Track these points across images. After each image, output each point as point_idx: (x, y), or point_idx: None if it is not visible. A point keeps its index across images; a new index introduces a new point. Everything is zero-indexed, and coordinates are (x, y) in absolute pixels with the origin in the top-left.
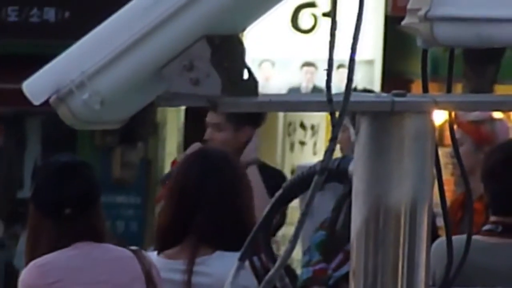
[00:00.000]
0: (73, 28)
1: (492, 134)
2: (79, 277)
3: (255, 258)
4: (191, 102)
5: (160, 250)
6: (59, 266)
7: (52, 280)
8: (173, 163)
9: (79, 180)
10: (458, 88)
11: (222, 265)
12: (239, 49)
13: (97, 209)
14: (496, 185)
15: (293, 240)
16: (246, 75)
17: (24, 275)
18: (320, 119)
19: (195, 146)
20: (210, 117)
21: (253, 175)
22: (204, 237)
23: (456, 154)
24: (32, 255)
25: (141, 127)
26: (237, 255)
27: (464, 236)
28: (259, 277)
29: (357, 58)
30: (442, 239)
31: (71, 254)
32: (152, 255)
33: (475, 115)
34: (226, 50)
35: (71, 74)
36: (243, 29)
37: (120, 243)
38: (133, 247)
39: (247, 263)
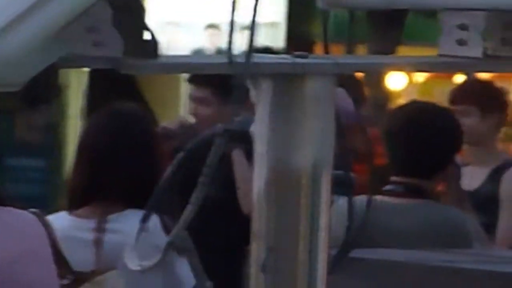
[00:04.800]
0: None
1: None
2: None
3: (165, 217)
4: (92, 64)
5: (71, 209)
6: None
7: None
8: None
9: None
10: (362, 50)
11: (134, 222)
12: (140, 11)
13: None
14: (397, 146)
15: (194, 203)
16: (147, 37)
17: None
18: None
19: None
20: (195, 91)
21: (239, 159)
22: (116, 195)
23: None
24: None
25: (44, 90)
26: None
27: (364, 197)
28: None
29: (261, 20)
30: (342, 200)
31: None
32: (63, 215)
33: None
34: (127, 12)
35: None
36: None
37: (22, 207)
38: (35, 210)
39: (153, 223)
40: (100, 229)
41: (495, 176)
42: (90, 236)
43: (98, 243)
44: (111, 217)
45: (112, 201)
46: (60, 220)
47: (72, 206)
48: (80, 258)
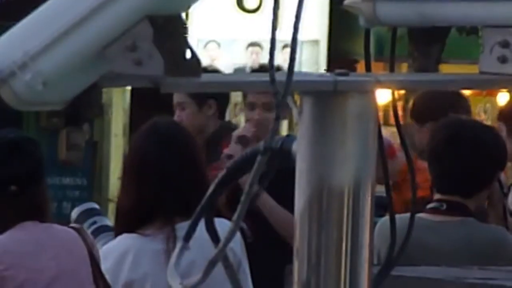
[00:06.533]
0: (15, 9)
1: None
2: (29, 263)
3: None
4: (134, 83)
5: (128, 231)
6: (9, 251)
7: (3, 267)
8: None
9: (24, 157)
10: (404, 68)
11: (203, 228)
12: (182, 29)
13: (42, 187)
14: (440, 163)
15: (236, 221)
16: (189, 55)
17: None
18: None
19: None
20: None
21: (266, 202)
22: (177, 210)
23: (399, 133)
24: None
25: (86, 109)
26: (217, 220)
27: (406, 215)
28: None
29: (302, 38)
30: (386, 218)
31: (20, 238)
32: (126, 235)
33: None
34: (169, 30)
35: (13, 55)
36: (187, 9)
37: (62, 222)
38: (76, 225)
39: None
40: (169, 237)
41: None
42: (160, 245)
43: (170, 251)
44: (179, 225)
45: (174, 215)
46: (126, 240)
47: (129, 227)
48: (154, 268)
